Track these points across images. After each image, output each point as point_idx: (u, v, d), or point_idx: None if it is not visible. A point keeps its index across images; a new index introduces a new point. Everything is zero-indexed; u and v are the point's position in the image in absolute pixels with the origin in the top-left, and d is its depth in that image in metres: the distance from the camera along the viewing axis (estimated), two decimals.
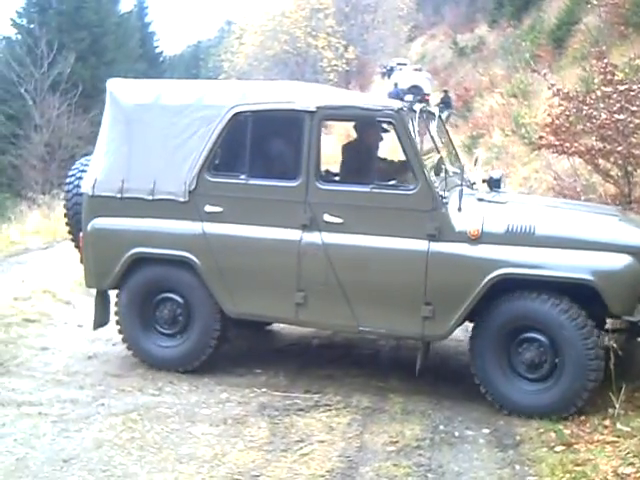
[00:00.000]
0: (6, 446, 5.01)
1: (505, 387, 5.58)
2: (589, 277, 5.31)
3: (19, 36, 41.31)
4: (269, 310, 6.18)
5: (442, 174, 5.69)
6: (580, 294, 5.39)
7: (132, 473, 4.64)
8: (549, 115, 10.04)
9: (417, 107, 5.99)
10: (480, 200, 5.96)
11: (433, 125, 6.35)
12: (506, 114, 19.16)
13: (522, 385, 5.57)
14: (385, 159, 6.76)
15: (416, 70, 37.66)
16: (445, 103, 28.25)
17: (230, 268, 6.09)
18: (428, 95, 30.73)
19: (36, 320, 8.17)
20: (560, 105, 9.48)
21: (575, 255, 5.40)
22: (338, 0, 35.19)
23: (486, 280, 5.44)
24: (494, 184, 6.38)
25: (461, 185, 5.76)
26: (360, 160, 6.31)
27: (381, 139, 6.47)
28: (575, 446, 4.92)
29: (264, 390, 5.99)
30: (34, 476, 4.61)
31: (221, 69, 40.98)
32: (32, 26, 38.27)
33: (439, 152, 6.10)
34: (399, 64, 40.64)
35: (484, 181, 6.49)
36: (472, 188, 6.33)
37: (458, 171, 6.39)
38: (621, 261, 5.35)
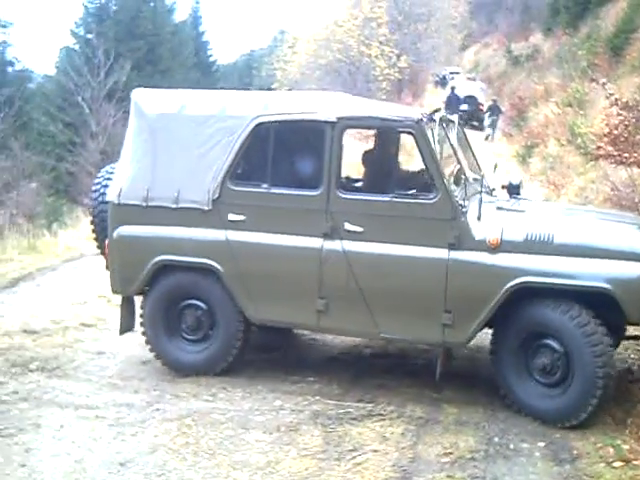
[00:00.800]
0: (65, 448, 5.10)
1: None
2: (607, 285, 5.34)
3: (77, 46, 42.14)
4: (291, 316, 6.28)
5: (462, 183, 5.81)
6: (600, 302, 5.43)
7: (187, 478, 4.68)
8: (607, 125, 9.91)
9: (437, 116, 6.01)
10: (499, 209, 6.03)
11: (453, 134, 6.40)
12: (561, 124, 18.96)
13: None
14: (405, 169, 6.84)
15: (470, 79, 37.56)
16: (493, 110, 28.94)
17: (253, 275, 6.20)
18: (482, 105, 31.14)
19: (92, 324, 8.33)
20: (619, 115, 9.34)
21: (593, 263, 5.44)
22: (391, 9, 35.13)
23: (505, 288, 5.52)
24: (513, 190, 6.51)
25: (481, 193, 5.83)
26: (380, 170, 6.43)
27: (399, 149, 6.53)
28: (634, 462, 4.84)
29: (317, 398, 5.99)
30: (91, 478, 4.69)
31: (274, 78, 41.13)
32: (90, 36, 39.04)
33: (459, 161, 6.18)
34: (452, 73, 40.43)
35: (503, 187, 6.61)
36: (491, 194, 6.41)
37: (478, 178, 6.40)
38: (638, 269, 5.38)
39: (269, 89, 42.67)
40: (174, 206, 6.35)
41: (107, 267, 6.78)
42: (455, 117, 6.68)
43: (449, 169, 5.92)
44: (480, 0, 51.05)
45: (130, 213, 6.48)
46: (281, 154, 6.25)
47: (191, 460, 4.91)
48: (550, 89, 24.42)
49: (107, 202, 6.66)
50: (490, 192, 6.39)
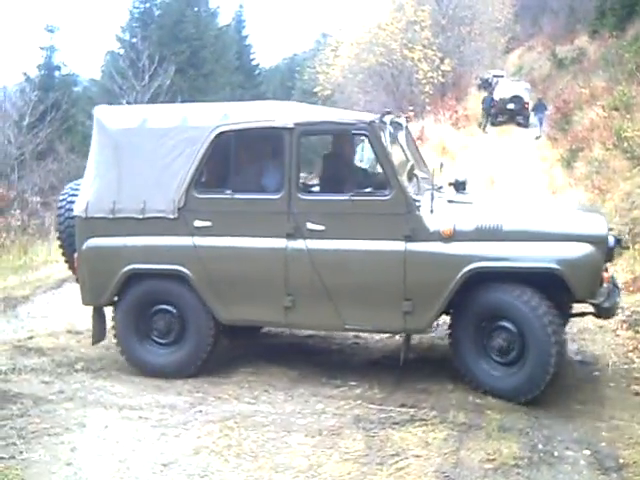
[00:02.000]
0: (109, 448, 5.16)
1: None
2: (555, 266, 5.75)
3: (122, 50, 42.66)
4: (260, 315, 6.55)
5: (414, 179, 6.28)
6: (548, 284, 5.84)
7: None
8: None
9: (387, 119, 6.39)
10: (450, 202, 6.43)
11: (402, 135, 6.76)
12: (607, 127, 18.68)
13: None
14: (361, 168, 7.31)
15: (515, 81, 37.48)
16: (539, 108, 30.02)
17: (221, 278, 6.44)
18: (527, 103, 31.84)
19: None
20: None
21: (541, 246, 5.85)
22: (435, 12, 34.96)
23: (460, 274, 5.89)
24: (460, 187, 6.92)
25: (432, 189, 6.23)
26: (338, 171, 6.78)
27: (355, 151, 6.77)
28: None
29: (359, 402, 5.98)
30: (135, 478, 4.73)
31: (316, 81, 41.18)
32: (135, 40, 39.44)
33: (408, 159, 6.57)
34: (495, 76, 40.08)
35: (450, 184, 6.97)
36: (440, 191, 6.64)
37: (426, 176, 6.81)
38: (583, 250, 5.79)
39: (312, 93, 42.87)
40: (141, 216, 6.58)
41: (77, 280, 6.96)
42: (403, 119, 7.05)
43: (402, 167, 6.29)
44: (525, 3, 50.67)
45: (98, 226, 6.69)
46: (242, 161, 6.60)
47: (233, 462, 4.93)
48: (596, 92, 24.07)
49: (73, 217, 6.86)
50: (438, 189, 6.60)
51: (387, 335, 7.73)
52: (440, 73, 33.32)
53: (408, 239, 6.03)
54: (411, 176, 6.26)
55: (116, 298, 6.79)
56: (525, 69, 48.99)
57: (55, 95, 33.73)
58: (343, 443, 5.22)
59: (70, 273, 9.77)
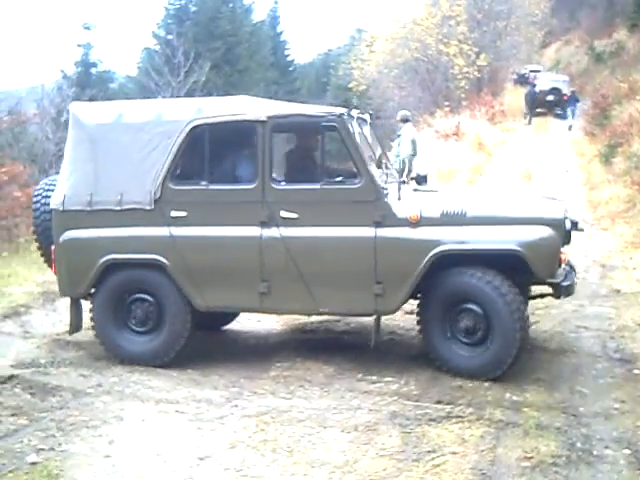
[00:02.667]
0: (146, 441, 5.21)
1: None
2: (517, 248, 6.11)
3: (158, 47, 42.91)
4: (236, 301, 6.81)
5: (382, 168, 6.65)
6: (508, 266, 6.22)
7: (265, 475, 4.71)
8: None
9: (354, 113, 6.74)
10: (415, 190, 6.90)
11: (366, 129, 7.02)
12: None
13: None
14: (331, 159, 7.47)
15: (553, 74, 37.43)
16: (571, 100, 30.60)
17: (198, 266, 6.66)
18: (566, 95, 31.90)
19: None
20: None
21: (503, 230, 6.23)
22: (470, 7, 34.66)
23: (428, 258, 6.21)
24: (421, 180, 7.28)
25: (400, 178, 6.81)
26: (310, 162, 7.10)
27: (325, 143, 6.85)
28: None
29: (395, 398, 5.96)
30: (172, 471, 4.76)
31: (351, 77, 41.08)
32: (170, 37, 39.63)
33: (373, 151, 6.84)
34: (532, 71, 39.72)
35: (412, 179, 7.33)
36: (403, 183, 6.95)
37: (388, 170, 7.22)
38: (542, 232, 6.19)
39: (346, 88, 42.79)
40: (118, 208, 6.78)
41: (55, 272, 7.12)
42: (367, 116, 7.24)
43: (369, 157, 6.61)
44: None
45: (75, 218, 6.88)
46: (217, 153, 6.81)
47: (270, 457, 4.94)
48: (635, 87, 23.73)
49: (49, 211, 7.05)
50: (401, 183, 6.78)
51: None
52: (476, 68, 32.99)
53: (378, 225, 6.35)
54: (380, 164, 6.57)
55: (93, 289, 6.98)
56: (562, 63, 48.51)
57: (92, 92, 33.93)
58: (379, 439, 5.21)
59: None
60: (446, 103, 29.75)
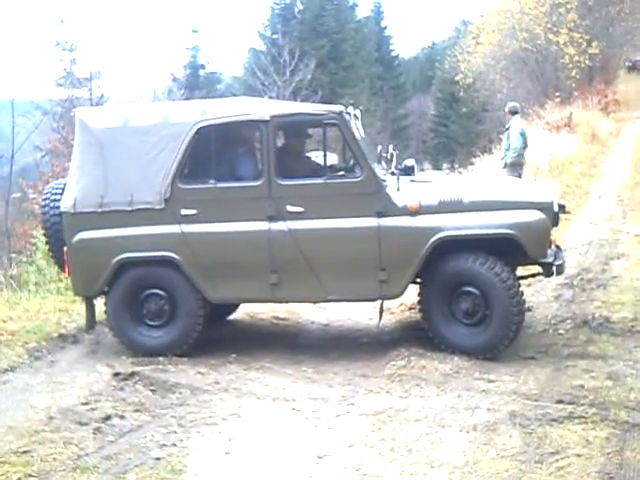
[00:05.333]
0: (264, 438, 5.26)
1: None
2: (511, 231, 6.54)
3: (264, 47, 43.46)
4: (248, 292, 7.14)
5: (382, 162, 7.16)
6: (501, 249, 6.63)
7: (384, 474, 4.68)
8: None
9: (350, 110, 7.05)
10: (412, 181, 7.18)
11: (359, 124, 7.27)
12: None
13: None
14: (334, 154, 7.67)
15: None
16: None
17: (209, 261, 6.93)
18: None
19: (285, 318, 8.55)
20: None
21: (498, 215, 6.63)
22: None
23: (429, 244, 6.59)
24: (409, 171, 7.44)
25: (397, 170, 7.19)
26: (313, 157, 7.44)
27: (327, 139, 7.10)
28: None
29: (514, 398, 5.81)
30: (290, 470, 4.79)
31: (457, 70, 40.60)
32: (276, 36, 40.09)
33: (369, 147, 7.21)
34: None
35: (399, 169, 7.42)
36: (392, 174, 7.19)
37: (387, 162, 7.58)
38: (534, 216, 6.64)
39: (452, 81, 42.27)
40: (129, 209, 7.03)
41: (68, 273, 7.39)
42: (358, 112, 7.40)
43: (369, 151, 7.03)
44: None
45: (87, 220, 7.10)
46: (223, 152, 7.09)
47: (388, 456, 4.91)
48: None
49: (59, 214, 7.26)
50: (390, 174, 7.19)
51: (540, 330, 7.56)
52: (587, 57, 31.94)
53: (380, 215, 6.71)
54: (380, 158, 7.15)
55: (107, 287, 7.22)
56: None
57: (201, 93, 34.72)
58: (499, 439, 5.09)
59: None
60: (556, 94, 28.88)
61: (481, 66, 37.82)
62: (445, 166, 50.02)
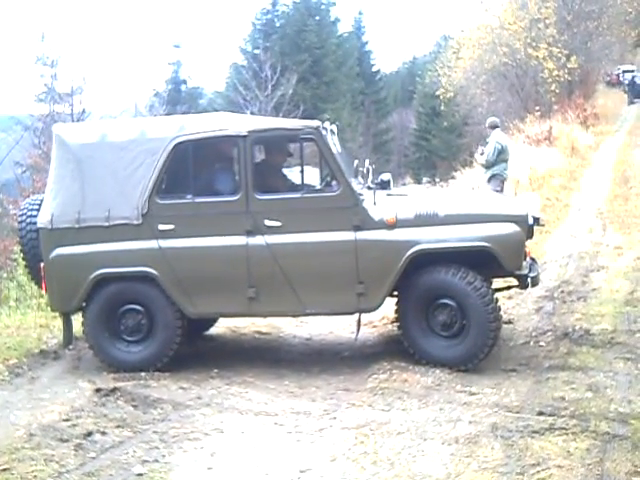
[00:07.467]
0: (246, 453, 5.25)
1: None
2: (487, 244, 6.60)
3: (245, 62, 43.55)
4: (225, 307, 7.15)
5: (358, 176, 7.17)
6: (475, 262, 6.69)
7: None
8: None
9: (327, 125, 7.05)
10: (389, 195, 7.26)
11: (335, 139, 7.28)
12: None
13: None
14: (310, 169, 7.53)
15: None
16: None
17: (187, 275, 6.94)
18: None
19: (267, 333, 8.55)
20: None
21: (473, 228, 6.69)
22: (559, 8, 33.95)
23: (405, 257, 6.63)
24: (385, 185, 7.56)
25: (373, 184, 7.27)
26: (289, 172, 7.44)
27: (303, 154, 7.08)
28: None
29: (495, 410, 5.82)
30: None
31: (437, 84, 40.83)
32: (257, 52, 40.17)
33: (345, 161, 7.19)
34: (625, 71, 38.80)
35: (376, 184, 7.49)
36: (369, 189, 7.23)
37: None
38: (509, 228, 6.70)
39: (433, 96, 42.49)
40: (106, 224, 7.01)
41: (45, 289, 7.35)
42: (334, 127, 7.40)
43: (347, 165, 7.07)
44: None
45: (64, 236, 7.08)
46: (201, 168, 7.12)
47: (370, 470, 4.91)
48: None
49: (36, 230, 7.24)
50: (367, 187, 7.23)
51: (521, 343, 7.59)
52: (566, 71, 32.27)
53: (357, 229, 6.74)
54: (357, 173, 7.17)
55: (84, 303, 7.18)
56: None
57: (182, 108, 34.73)
58: (481, 451, 5.10)
59: None
60: (536, 108, 29.16)
61: (462, 80, 38.10)
62: (426, 180, 50.25)
